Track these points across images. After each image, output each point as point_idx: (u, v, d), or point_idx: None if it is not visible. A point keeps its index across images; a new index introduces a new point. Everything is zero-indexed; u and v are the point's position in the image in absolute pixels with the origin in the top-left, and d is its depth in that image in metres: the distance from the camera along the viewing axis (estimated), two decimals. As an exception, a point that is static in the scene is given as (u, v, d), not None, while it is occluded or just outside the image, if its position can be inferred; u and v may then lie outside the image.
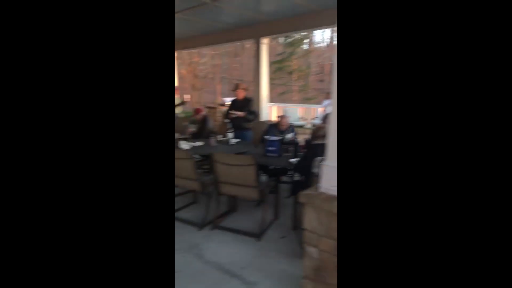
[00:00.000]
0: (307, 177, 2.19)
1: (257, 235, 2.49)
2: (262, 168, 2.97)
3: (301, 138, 3.45)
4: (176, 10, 4.50)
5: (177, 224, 2.76)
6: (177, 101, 6.49)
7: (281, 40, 16.32)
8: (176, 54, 7.42)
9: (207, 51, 14.76)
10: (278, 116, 3.89)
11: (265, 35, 5.19)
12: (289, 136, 3.49)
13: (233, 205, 3.04)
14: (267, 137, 3.19)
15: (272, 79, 12.52)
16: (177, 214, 2.94)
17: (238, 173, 2.48)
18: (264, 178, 2.78)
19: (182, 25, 5.45)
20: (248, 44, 15.12)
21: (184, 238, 2.49)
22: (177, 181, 2.90)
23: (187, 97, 7.26)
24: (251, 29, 5.23)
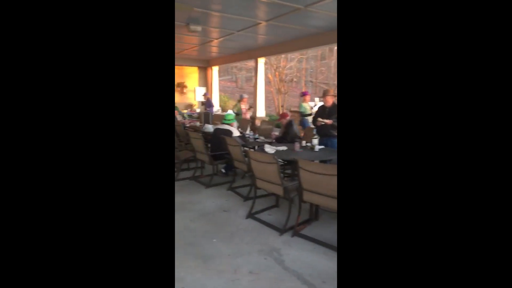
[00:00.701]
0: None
1: (340, 249, 2.37)
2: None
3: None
4: (268, 17, 4.66)
5: (258, 226, 2.84)
6: (308, 107, 6.57)
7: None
8: (264, 59, 7.69)
9: (294, 55, 14.88)
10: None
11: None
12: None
13: (315, 213, 2.97)
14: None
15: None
16: (258, 216, 3.03)
17: (321, 181, 2.41)
18: (350, 189, 2.63)
19: (272, 31, 5.62)
20: (336, 47, 14.62)
21: (266, 240, 2.55)
22: (261, 184, 3.00)
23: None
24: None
